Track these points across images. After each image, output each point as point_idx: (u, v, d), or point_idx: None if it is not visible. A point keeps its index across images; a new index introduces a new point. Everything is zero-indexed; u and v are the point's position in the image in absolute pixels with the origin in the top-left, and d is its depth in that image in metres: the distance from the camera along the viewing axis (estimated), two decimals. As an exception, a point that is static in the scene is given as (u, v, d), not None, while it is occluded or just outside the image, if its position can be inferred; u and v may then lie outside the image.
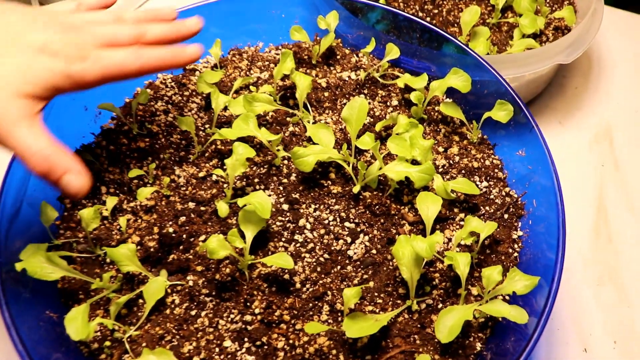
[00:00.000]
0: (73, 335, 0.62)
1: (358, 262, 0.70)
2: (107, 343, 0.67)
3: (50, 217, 0.72)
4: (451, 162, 0.79)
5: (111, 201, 0.75)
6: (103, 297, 0.70)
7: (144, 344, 0.66)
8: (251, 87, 0.86)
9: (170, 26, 0.69)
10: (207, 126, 0.83)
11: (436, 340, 0.66)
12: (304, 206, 0.74)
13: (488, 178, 0.78)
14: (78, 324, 0.62)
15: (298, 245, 0.71)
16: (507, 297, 0.69)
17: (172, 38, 0.69)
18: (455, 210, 0.75)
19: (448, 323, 0.62)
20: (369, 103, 0.85)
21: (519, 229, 0.75)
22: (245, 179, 0.76)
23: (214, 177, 0.77)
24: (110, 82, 0.63)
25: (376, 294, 0.68)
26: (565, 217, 0.69)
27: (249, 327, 0.66)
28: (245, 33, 0.93)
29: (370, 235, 0.72)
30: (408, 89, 0.85)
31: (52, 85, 0.59)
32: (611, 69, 1.11)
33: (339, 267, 0.70)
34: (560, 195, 0.71)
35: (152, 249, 0.72)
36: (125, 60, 0.63)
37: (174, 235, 0.72)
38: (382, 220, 0.73)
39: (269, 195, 0.75)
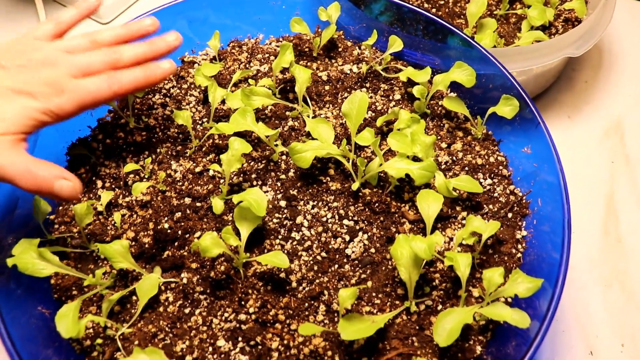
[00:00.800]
0: (63, 332, 0.60)
1: (356, 261, 0.69)
2: (99, 340, 0.65)
3: (44, 211, 0.71)
4: (454, 158, 0.77)
5: (106, 196, 0.73)
6: (96, 293, 0.68)
7: (136, 342, 0.65)
8: (250, 80, 0.84)
9: (147, 46, 0.72)
10: (204, 120, 0.81)
11: (435, 343, 0.64)
12: (301, 203, 0.72)
13: (492, 175, 0.76)
14: (68, 321, 0.61)
15: (295, 243, 0.69)
16: (509, 300, 0.67)
17: (149, 57, 0.72)
18: (458, 208, 0.73)
19: (447, 326, 0.60)
20: (371, 97, 0.82)
21: (523, 229, 0.72)
22: (242, 175, 0.75)
23: (211, 173, 0.75)
24: (88, 109, 0.68)
25: (374, 294, 0.67)
26: (570, 217, 0.67)
27: (243, 327, 0.65)
28: (245, 25, 0.91)
29: (369, 234, 0.70)
30: (411, 83, 0.83)
31: (32, 121, 0.64)
32: (622, 62, 1.08)
33: (336, 266, 0.68)
34: (566, 194, 0.68)
35: (146, 245, 0.70)
36: (99, 89, 0.67)
37: (169, 231, 0.71)
38: (381, 219, 0.71)
39: (266, 192, 0.73)
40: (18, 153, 0.62)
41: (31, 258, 0.64)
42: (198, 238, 0.70)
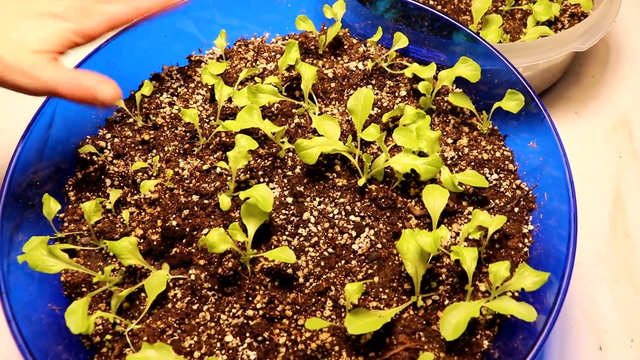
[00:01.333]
0: (73, 328, 0.61)
1: (363, 257, 0.69)
2: (109, 337, 0.66)
3: (53, 210, 0.71)
4: (460, 153, 0.77)
5: (115, 194, 0.74)
6: (105, 290, 0.69)
7: (145, 338, 0.65)
8: (257, 79, 0.84)
9: None
10: (211, 118, 0.81)
11: (442, 337, 0.64)
12: (308, 199, 0.73)
13: (498, 170, 0.76)
14: (78, 317, 0.62)
15: (302, 239, 0.70)
16: (516, 294, 0.67)
17: None
18: (464, 203, 0.73)
19: (453, 320, 0.60)
20: (377, 94, 0.83)
21: (529, 223, 0.72)
22: (249, 172, 0.75)
23: (218, 170, 0.76)
24: (114, 29, 0.73)
25: (381, 289, 0.67)
26: (577, 211, 0.67)
27: (251, 322, 0.65)
28: (251, 23, 0.92)
29: (375, 229, 0.70)
30: (416, 79, 0.83)
31: (66, 41, 0.69)
32: (630, 56, 1.07)
33: (343, 261, 0.69)
34: (572, 188, 0.68)
35: (154, 242, 0.71)
36: (126, 12, 0.72)
37: (177, 228, 0.71)
38: (388, 214, 0.71)
39: (273, 188, 0.74)
40: (60, 67, 0.67)
41: (41, 255, 0.65)
42: (205, 235, 0.70)
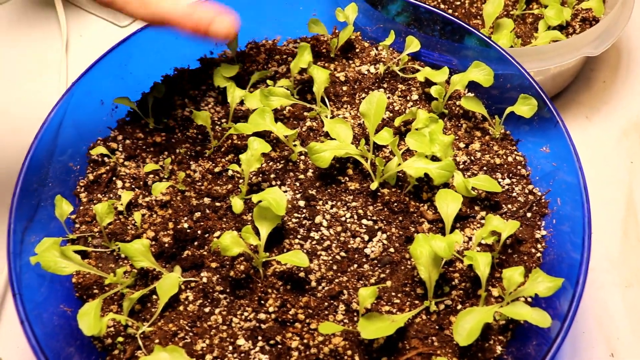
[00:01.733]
0: (85, 330, 0.61)
1: (375, 261, 0.69)
2: (120, 339, 0.66)
3: (65, 211, 0.71)
4: (472, 158, 0.77)
5: (126, 196, 0.74)
6: (117, 292, 0.69)
7: (157, 341, 0.65)
8: (268, 81, 0.84)
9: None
10: (223, 121, 0.81)
11: (455, 342, 0.64)
12: (320, 203, 0.72)
13: (510, 175, 0.76)
14: (90, 319, 0.62)
15: (314, 242, 0.70)
16: (529, 299, 0.67)
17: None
18: (476, 208, 0.73)
19: (467, 325, 0.60)
20: (389, 97, 0.83)
21: (542, 228, 0.72)
22: (261, 175, 0.75)
23: (230, 173, 0.76)
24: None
25: (393, 293, 0.67)
26: (591, 216, 0.66)
27: (263, 326, 0.65)
28: (263, 26, 0.92)
29: (388, 233, 0.70)
30: (428, 83, 0.83)
31: None
32: (641, 61, 1.07)
33: (355, 265, 0.68)
34: (586, 193, 0.68)
35: (166, 245, 0.71)
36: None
37: (188, 230, 0.71)
38: (400, 218, 0.71)
39: (285, 192, 0.74)
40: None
41: (53, 256, 0.65)
42: (217, 237, 0.70)
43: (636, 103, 1.02)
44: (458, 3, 1.00)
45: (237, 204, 0.70)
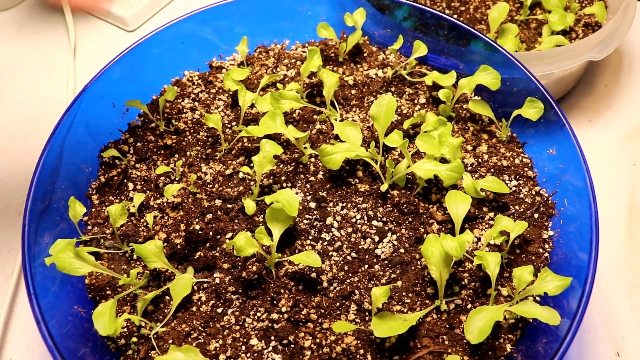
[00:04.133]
0: (101, 330, 0.62)
1: (386, 261, 0.70)
2: (134, 339, 0.67)
3: (79, 212, 0.72)
4: (480, 160, 0.78)
5: (138, 198, 0.75)
6: (130, 293, 0.70)
7: (170, 341, 0.66)
8: (278, 85, 0.85)
9: None
10: (233, 124, 0.82)
11: (465, 341, 0.65)
12: (331, 204, 0.73)
13: (517, 177, 0.77)
14: (106, 319, 0.63)
15: (325, 243, 0.71)
16: (537, 298, 0.68)
17: None
18: (484, 209, 0.74)
19: (478, 324, 0.61)
20: (397, 101, 0.84)
21: (549, 229, 0.73)
22: (272, 177, 0.76)
23: (241, 175, 0.77)
24: None
25: (404, 293, 0.67)
26: (598, 216, 0.68)
27: (276, 326, 0.66)
28: (271, 31, 0.93)
29: (398, 234, 0.71)
30: (436, 87, 0.84)
31: None
32: (643, 66, 1.09)
33: (366, 266, 0.69)
34: (593, 194, 0.69)
35: (178, 246, 0.72)
36: None
37: (200, 232, 0.72)
38: (410, 219, 0.72)
39: (296, 194, 0.75)
40: None
41: (68, 257, 0.65)
42: (229, 239, 0.71)
43: (638, 107, 1.03)
44: (462, 9, 1.01)
45: (249, 205, 0.71)
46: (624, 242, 0.88)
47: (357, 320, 0.66)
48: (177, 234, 0.73)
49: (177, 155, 0.80)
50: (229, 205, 0.74)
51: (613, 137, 1.00)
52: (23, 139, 0.99)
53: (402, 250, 0.70)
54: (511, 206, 0.75)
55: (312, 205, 0.73)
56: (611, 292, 0.83)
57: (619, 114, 1.02)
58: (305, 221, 0.72)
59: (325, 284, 0.68)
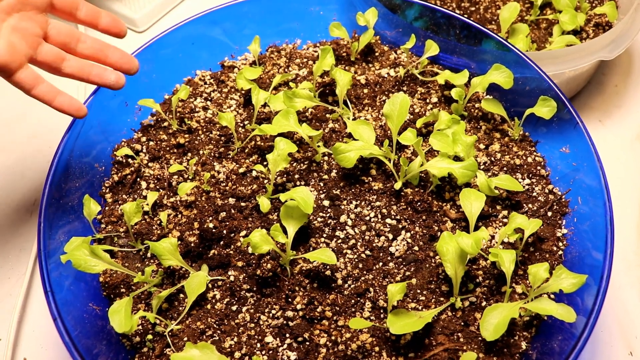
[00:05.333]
0: (117, 327, 0.62)
1: (400, 259, 0.70)
2: (149, 337, 0.67)
3: (93, 211, 0.72)
4: (492, 159, 0.78)
5: (152, 196, 0.75)
6: (144, 291, 0.70)
7: (185, 339, 0.66)
8: (290, 84, 0.86)
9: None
10: (246, 122, 0.83)
11: (480, 338, 0.65)
12: (345, 202, 0.73)
13: (530, 175, 0.77)
14: (121, 316, 0.63)
15: (339, 241, 0.71)
16: (552, 296, 0.68)
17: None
18: (498, 207, 0.74)
19: (494, 320, 0.61)
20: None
21: (563, 227, 0.73)
22: (285, 175, 0.76)
23: (254, 173, 0.77)
24: None
25: (419, 291, 0.68)
26: (613, 213, 0.68)
27: (291, 323, 0.66)
28: (282, 31, 0.93)
29: (412, 232, 0.71)
30: (448, 86, 0.84)
31: None
32: (653, 66, 1.09)
33: (380, 263, 0.69)
34: (607, 191, 0.69)
35: (192, 244, 0.72)
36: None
37: (214, 230, 0.72)
38: (423, 217, 0.72)
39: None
40: None
41: (83, 255, 0.66)
42: (243, 237, 0.71)
43: (648, 106, 1.03)
44: (473, 9, 1.02)
45: (264, 203, 0.71)
46: (635, 241, 0.88)
47: (372, 317, 0.66)
48: (191, 232, 0.73)
49: (190, 154, 0.80)
50: (242, 204, 0.74)
51: (623, 137, 1.00)
52: (33, 139, 1.00)
53: (416, 248, 0.70)
54: (524, 204, 0.75)
55: (326, 203, 0.73)
56: (623, 291, 0.83)
57: (629, 114, 1.02)
58: (319, 219, 0.72)
59: (339, 282, 0.68)
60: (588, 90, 1.05)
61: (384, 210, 0.72)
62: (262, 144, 0.80)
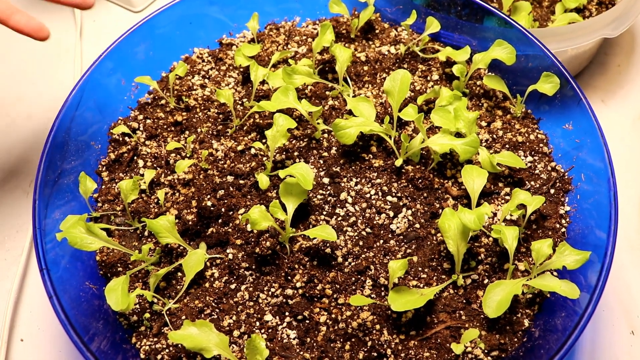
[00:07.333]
0: (113, 305, 0.61)
1: (401, 237, 0.69)
2: (147, 315, 0.66)
3: (89, 188, 0.71)
4: (495, 136, 0.77)
5: (149, 174, 0.74)
6: (142, 269, 0.69)
7: (183, 317, 0.65)
8: (290, 61, 0.84)
9: None
10: (244, 100, 0.81)
11: (482, 316, 0.64)
12: (345, 180, 0.72)
13: (533, 153, 0.76)
14: (118, 294, 0.62)
15: (339, 219, 0.70)
16: (554, 273, 0.67)
17: None
18: (500, 184, 0.73)
19: (496, 297, 0.60)
20: (409, 77, 0.83)
21: (566, 204, 0.72)
22: (284, 152, 0.75)
23: (253, 151, 0.76)
24: None
25: (420, 268, 0.67)
26: (617, 189, 0.67)
27: (290, 301, 0.65)
28: (282, 8, 0.92)
29: (413, 210, 0.70)
30: (449, 63, 0.83)
31: None
32: (656, 46, 1.08)
33: (381, 241, 0.68)
34: (611, 168, 0.68)
35: (190, 222, 0.71)
36: None
37: (212, 208, 0.71)
38: (425, 194, 0.71)
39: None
40: None
41: (79, 232, 0.64)
42: (242, 214, 0.70)
43: (651, 86, 1.02)
44: (474, -13, 1.00)
45: (263, 179, 0.70)
46: (637, 221, 0.87)
47: (372, 295, 0.65)
48: (188, 210, 0.72)
49: (187, 132, 0.79)
50: (241, 181, 0.73)
51: (626, 117, 0.99)
52: (28, 119, 0.98)
53: (417, 226, 0.69)
54: (527, 182, 0.74)
55: (326, 180, 0.72)
56: (625, 271, 0.83)
57: (632, 93, 1.01)
58: (318, 196, 0.71)
59: (340, 259, 0.67)
60: (591, 69, 1.04)
61: (385, 188, 0.71)
62: (261, 121, 0.78)
